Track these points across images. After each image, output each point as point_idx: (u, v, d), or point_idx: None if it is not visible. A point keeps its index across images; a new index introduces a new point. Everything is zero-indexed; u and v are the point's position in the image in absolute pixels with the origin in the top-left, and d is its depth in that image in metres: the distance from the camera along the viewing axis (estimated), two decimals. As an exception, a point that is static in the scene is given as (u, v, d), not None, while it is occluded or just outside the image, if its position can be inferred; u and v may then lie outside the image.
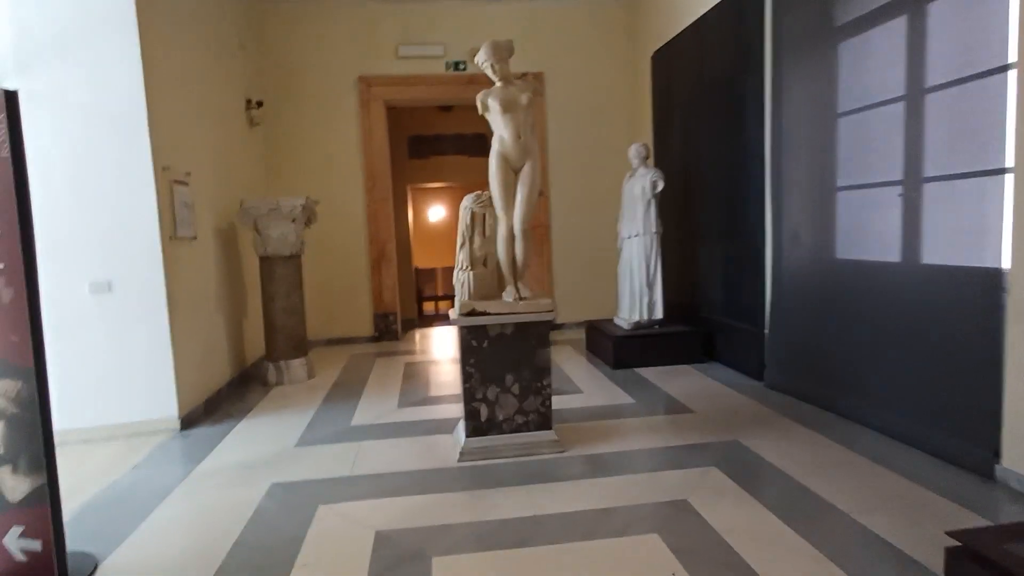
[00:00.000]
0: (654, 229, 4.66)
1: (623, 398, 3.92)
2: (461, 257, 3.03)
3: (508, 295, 2.99)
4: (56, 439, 2.06)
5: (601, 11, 6.27)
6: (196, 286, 4.03)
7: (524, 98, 2.85)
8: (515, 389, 3.01)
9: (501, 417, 3.02)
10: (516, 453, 2.98)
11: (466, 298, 2.99)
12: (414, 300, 7.97)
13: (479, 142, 8.01)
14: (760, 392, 3.91)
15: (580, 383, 4.33)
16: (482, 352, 2.97)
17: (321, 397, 4.26)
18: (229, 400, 4.28)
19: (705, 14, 4.66)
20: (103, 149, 3.39)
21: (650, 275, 4.72)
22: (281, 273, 4.63)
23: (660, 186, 4.62)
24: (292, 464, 3.02)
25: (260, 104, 5.41)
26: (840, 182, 3.48)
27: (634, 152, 4.76)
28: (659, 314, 4.77)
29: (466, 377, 2.98)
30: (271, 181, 5.95)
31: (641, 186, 4.67)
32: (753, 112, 4.10)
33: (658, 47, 5.58)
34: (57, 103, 3.32)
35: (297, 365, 4.72)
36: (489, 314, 2.92)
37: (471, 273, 2.99)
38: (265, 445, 3.32)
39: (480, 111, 2.94)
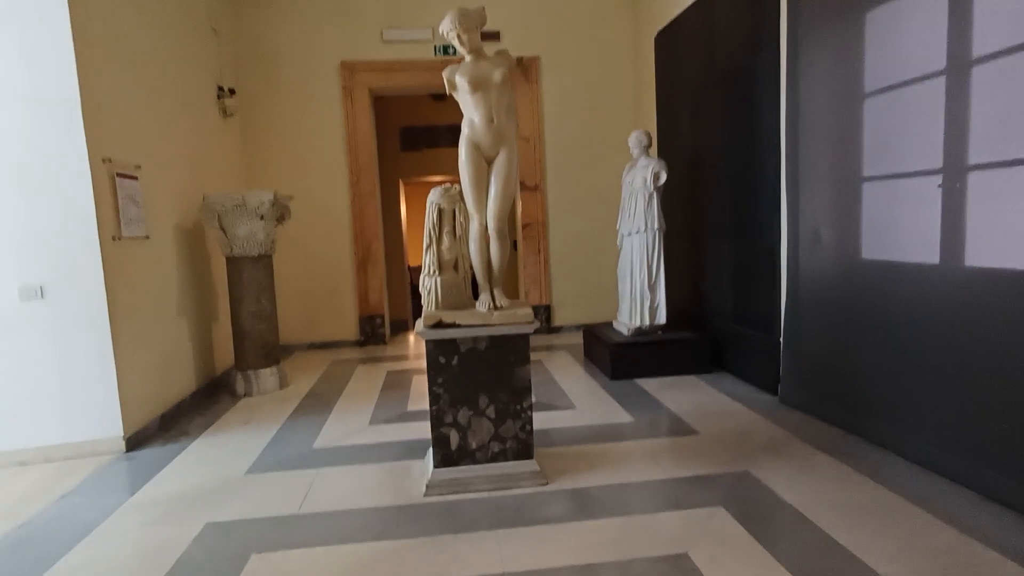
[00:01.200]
0: (656, 225, 4.24)
1: (620, 415, 3.51)
2: (427, 260, 2.63)
3: (482, 304, 2.59)
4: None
5: (601, -10, 5.82)
6: (150, 290, 3.66)
7: (497, 74, 2.44)
8: (490, 412, 2.61)
9: (474, 445, 2.62)
10: (491, 486, 2.58)
11: (432, 308, 2.59)
12: (407, 300, 7.60)
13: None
14: (774, 409, 3.48)
15: (573, 396, 3.92)
16: (452, 370, 2.57)
17: (289, 411, 3.89)
18: (190, 414, 3.92)
19: (713, -12, 4.21)
20: (32, 137, 3.02)
21: (652, 276, 4.29)
22: (250, 275, 4.25)
23: (663, 178, 4.19)
24: (236, 497, 2.65)
25: (232, 92, 5.03)
26: (867, 171, 3.03)
27: (634, 140, 4.33)
28: (662, 319, 4.35)
29: (433, 398, 2.58)
30: (249, 176, 5.58)
31: (642, 178, 4.24)
32: (767, 95, 3.65)
33: (661, 27, 5.14)
34: (-21, 86, 2.96)
35: (267, 375, 4.35)
36: (459, 326, 2.53)
37: (439, 279, 2.59)
38: (213, 471, 2.95)
39: (447, 90, 2.53)
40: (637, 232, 4.28)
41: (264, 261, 4.31)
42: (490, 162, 2.54)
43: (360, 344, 5.91)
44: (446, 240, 2.62)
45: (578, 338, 5.62)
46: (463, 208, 2.62)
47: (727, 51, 4.12)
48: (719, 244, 4.37)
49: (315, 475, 2.84)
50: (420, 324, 2.54)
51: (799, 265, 3.49)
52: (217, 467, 3.00)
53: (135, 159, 3.54)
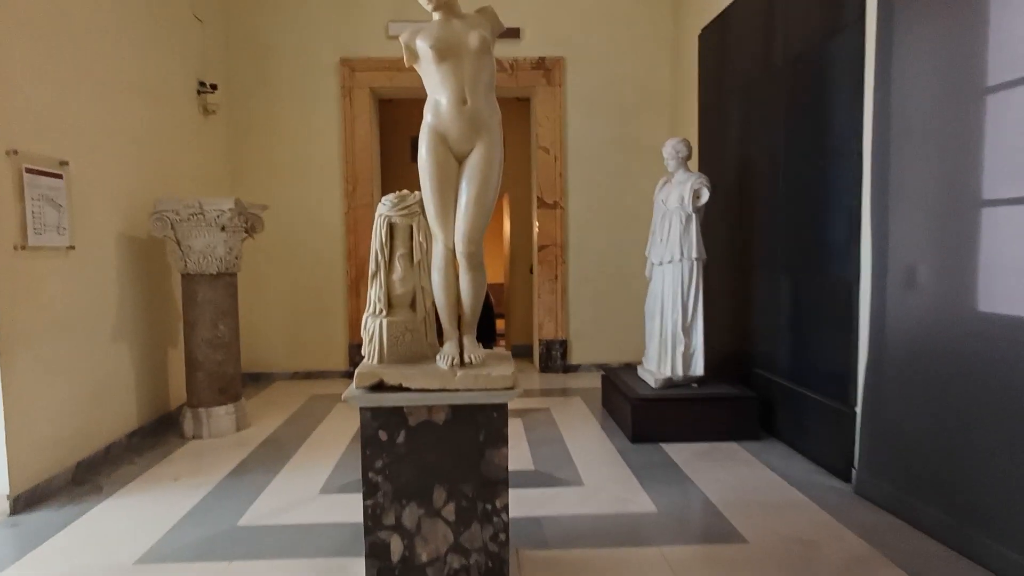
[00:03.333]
0: (694, 254, 3.42)
1: (639, 500, 2.69)
2: (372, 295, 1.90)
3: (444, 358, 1.84)
4: None
5: (637, -18, 5.10)
6: (72, 310, 3.04)
7: (474, 38, 1.71)
8: (448, 512, 1.84)
9: (425, 557, 1.85)
10: (444, 622, 1.80)
11: (374, 360, 1.86)
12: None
13: (493, 144, 6.88)
14: (848, 505, 2.60)
15: (583, 465, 3.11)
16: (396, 451, 1.82)
17: (234, 463, 3.20)
18: (118, 461, 3.26)
19: (774, -35, 3.43)
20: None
21: (687, 316, 3.47)
22: (206, 295, 3.61)
23: (704, 196, 3.39)
24: (100, 607, 1.94)
25: (214, 87, 4.47)
26: (988, 192, 2.19)
27: (670, 150, 3.55)
28: (698, 369, 3.51)
29: (369, 490, 1.83)
30: (232, 180, 5.00)
31: (679, 196, 3.45)
32: (844, 89, 2.84)
33: (707, 22, 4.36)
34: None
35: (221, 414, 3.68)
36: (408, 390, 1.78)
37: (385, 321, 1.86)
38: (97, 554, 2.26)
39: (405, 61, 1.82)
40: (670, 261, 3.47)
41: (224, 280, 3.66)
42: (461, 160, 1.81)
43: (349, 375, 5.21)
44: (399, 267, 1.89)
45: (597, 381, 4.80)
46: (424, 224, 1.89)
47: (792, 37, 3.32)
48: (773, 278, 3.52)
49: (222, 572, 2.11)
50: (352, 385, 1.80)
51: (886, 312, 2.63)
52: (105, 548, 2.30)
53: (59, 153, 2.94)
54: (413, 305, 1.94)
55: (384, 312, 1.88)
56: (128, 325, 3.52)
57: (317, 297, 5.14)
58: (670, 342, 3.52)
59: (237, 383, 3.81)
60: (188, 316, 3.64)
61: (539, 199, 5.20)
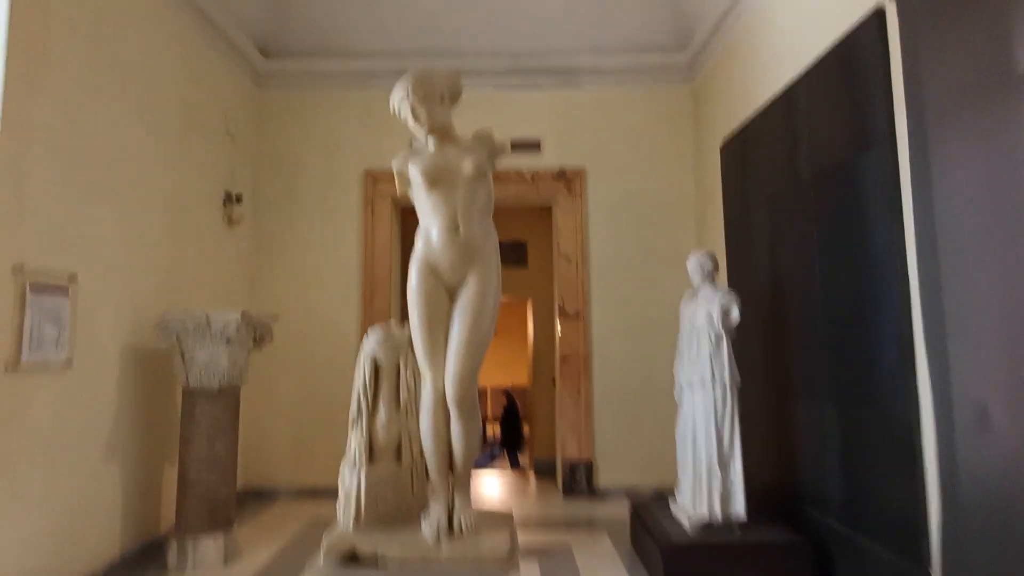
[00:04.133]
0: (727, 377, 3.12)
1: None
2: (352, 442, 1.67)
3: (430, 523, 1.56)
4: None
5: (654, 96, 5.19)
6: (63, 430, 2.89)
7: (468, 164, 1.62)
8: None
9: None
10: None
11: (348, 525, 1.59)
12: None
13: (516, 252, 6.87)
14: None
15: (605, 628, 2.65)
16: (366, 638, 1.50)
17: (212, 609, 2.85)
18: (87, 600, 2.95)
19: (795, 83, 3.39)
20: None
21: (723, 448, 3.10)
22: (204, 411, 3.42)
23: (735, 315, 3.15)
24: None
25: (239, 199, 4.58)
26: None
27: (695, 265, 3.36)
28: (739, 509, 3.09)
29: None
30: (252, 289, 5.00)
31: (706, 312, 3.21)
32: (880, 206, 2.65)
33: (728, 134, 4.33)
34: None
35: (209, 545, 3.35)
36: (385, 563, 1.50)
37: (363, 473, 1.61)
38: None
39: (398, 188, 1.72)
40: (701, 384, 3.17)
41: (226, 395, 3.49)
42: (454, 292, 1.64)
43: (356, 494, 4.86)
44: (383, 411, 1.68)
45: (625, 509, 4.32)
46: (412, 361, 1.69)
47: (817, 151, 3.20)
48: (819, 406, 3.15)
49: None
50: (320, 556, 1.53)
51: (956, 456, 2.26)
52: None
53: (69, 265, 2.92)
54: (399, 453, 1.70)
55: (363, 462, 1.64)
56: (123, 443, 3.34)
57: (327, 408, 4.91)
58: (705, 476, 3.13)
59: (230, 507, 3.51)
60: (185, 433, 3.44)
61: (561, 308, 5.02)
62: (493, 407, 12.12)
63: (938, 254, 2.35)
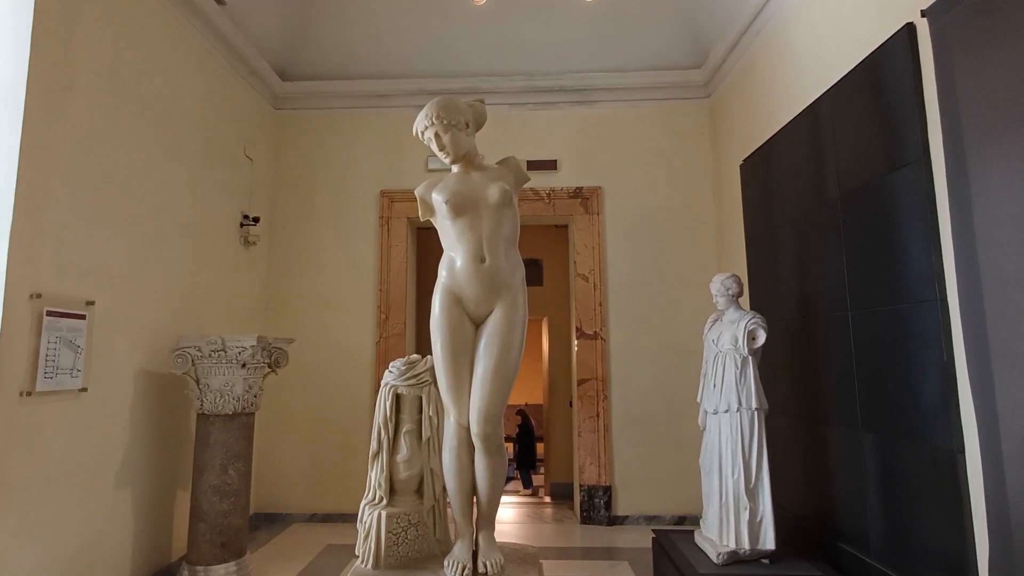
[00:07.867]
0: (754, 403, 3.01)
1: None
2: (371, 478, 1.60)
3: (452, 566, 1.48)
4: None
5: (671, 114, 5.14)
6: (75, 457, 2.85)
7: (494, 191, 1.56)
8: None
9: None
10: None
11: (368, 564, 1.51)
12: (445, 456, 6.47)
13: (531, 270, 6.81)
14: None
15: (631, 670, 2.53)
16: None
17: (223, 644, 2.76)
18: (97, 633, 2.88)
19: (819, 100, 3.32)
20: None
21: (750, 475, 2.98)
22: (218, 437, 3.38)
23: (761, 338, 3.05)
24: None
25: (256, 220, 4.57)
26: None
27: (719, 287, 3.27)
28: (768, 542, 2.95)
29: None
30: (268, 310, 4.97)
31: (731, 336, 3.12)
32: (916, 228, 2.55)
33: (747, 153, 4.26)
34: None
35: (221, 574, 3.29)
36: (405, 610, 1.42)
37: (384, 512, 1.54)
38: None
39: (421, 215, 1.67)
40: (726, 411, 3.06)
41: (240, 421, 3.44)
42: (479, 324, 1.57)
43: (370, 519, 4.76)
44: (404, 446, 1.60)
45: (647, 538, 4.18)
46: (435, 395, 1.62)
47: (845, 170, 3.11)
48: (853, 436, 3.03)
49: None
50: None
51: (1007, 495, 2.13)
52: None
53: (86, 292, 2.91)
54: (420, 491, 1.62)
55: (384, 500, 1.57)
56: (135, 470, 3.29)
57: (341, 431, 4.85)
58: (732, 506, 3.00)
59: (242, 536, 3.45)
60: (198, 460, 3.39)
61: (578, 329, 4.93)
62: (507, 426, 11.99)
63: (980, 277, 2.25)
